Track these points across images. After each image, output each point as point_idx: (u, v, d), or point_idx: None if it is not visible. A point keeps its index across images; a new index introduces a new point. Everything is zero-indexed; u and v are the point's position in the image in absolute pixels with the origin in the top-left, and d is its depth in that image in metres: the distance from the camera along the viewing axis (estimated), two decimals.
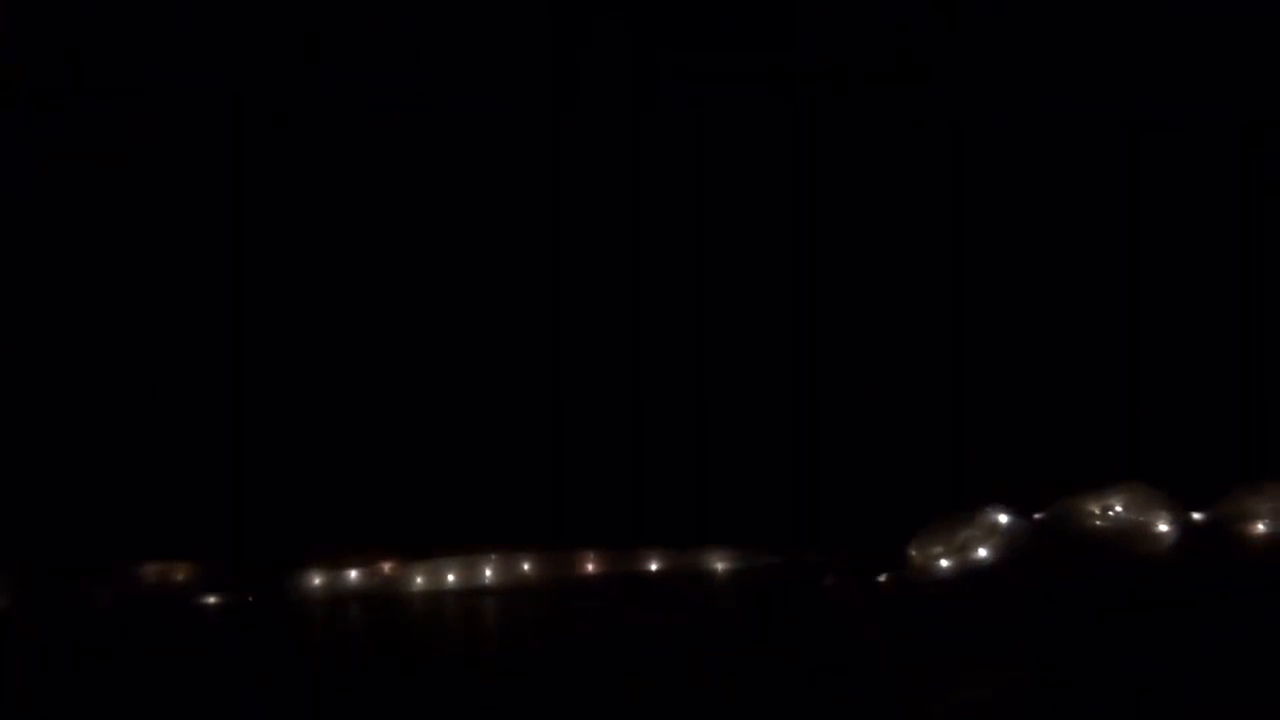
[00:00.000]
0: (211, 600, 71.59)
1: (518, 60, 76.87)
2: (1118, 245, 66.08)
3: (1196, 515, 55.76)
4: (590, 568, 78.87)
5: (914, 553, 60.96)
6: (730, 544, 76.78)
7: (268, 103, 78.08)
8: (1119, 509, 55.59)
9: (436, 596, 75.10)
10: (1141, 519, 54.56)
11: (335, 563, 75.14)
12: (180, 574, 73.35)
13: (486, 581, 77.45)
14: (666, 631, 52.87)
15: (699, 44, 74.35)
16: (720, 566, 79.85)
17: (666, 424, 75.10)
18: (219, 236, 75.30)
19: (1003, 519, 57.65)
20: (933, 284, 72.01)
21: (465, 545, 75.56)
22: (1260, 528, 53.11)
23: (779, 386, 75.75)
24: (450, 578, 77.52)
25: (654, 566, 79.83)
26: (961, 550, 59.26)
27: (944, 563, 59.35)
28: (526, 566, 78.56)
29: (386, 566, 76.93)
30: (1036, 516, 58.37)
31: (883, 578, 62.10)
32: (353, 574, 76.71)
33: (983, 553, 58.47)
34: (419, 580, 77.13)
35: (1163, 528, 54.90)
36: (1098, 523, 54.58)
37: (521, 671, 43.65)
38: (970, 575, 58.71)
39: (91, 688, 42.81)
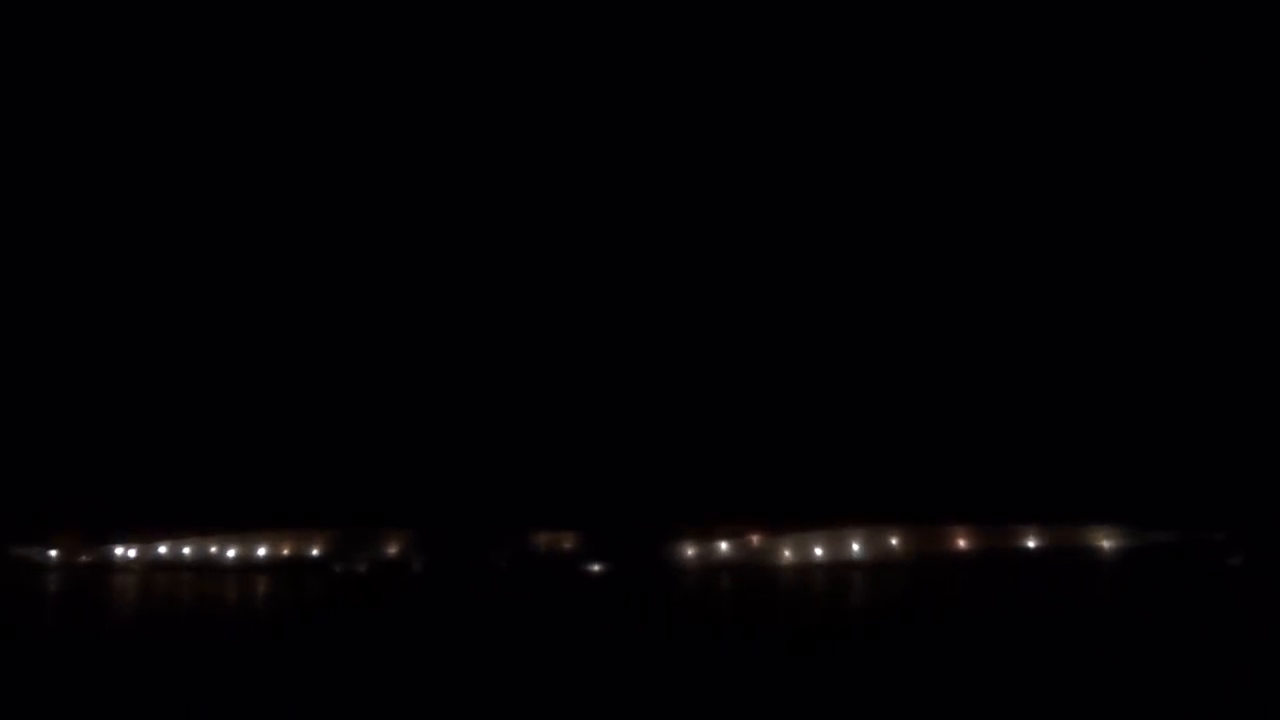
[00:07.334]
0: (595, 567, 76.95)
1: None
2: None
3: None
4: (962, 543, 76.06)
5: None
6: (1117, 520, 71.03)
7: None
8: None
9: (804, 569, 75.74)
10: None
11: (707, 534, 78.03)
12: (567, 542, 79.65)
13: (854, 555, 77.06)
14: (1046, 613, 49.72)
15: None
16: (1107, 544, 74.01)
17: (1043, 389, 71.08)
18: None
19: None
20: None
21: (833, 518, 75.60)
22: None
23: (1180, 352, 70.87)
24: (818, 551, 77.86)
25: (1031, 543, 75.49)
26: None
27: None
28: (895, 541, 77.17)
29: (755, 538, 78.67)
30: None
31: None
32: (723, 545, 79.22)
33: None
34: (786, 553, 78.18)
35: None
36: None
37: (887, 646, 42.66)
38: None
39: (488, 637, 47.17)
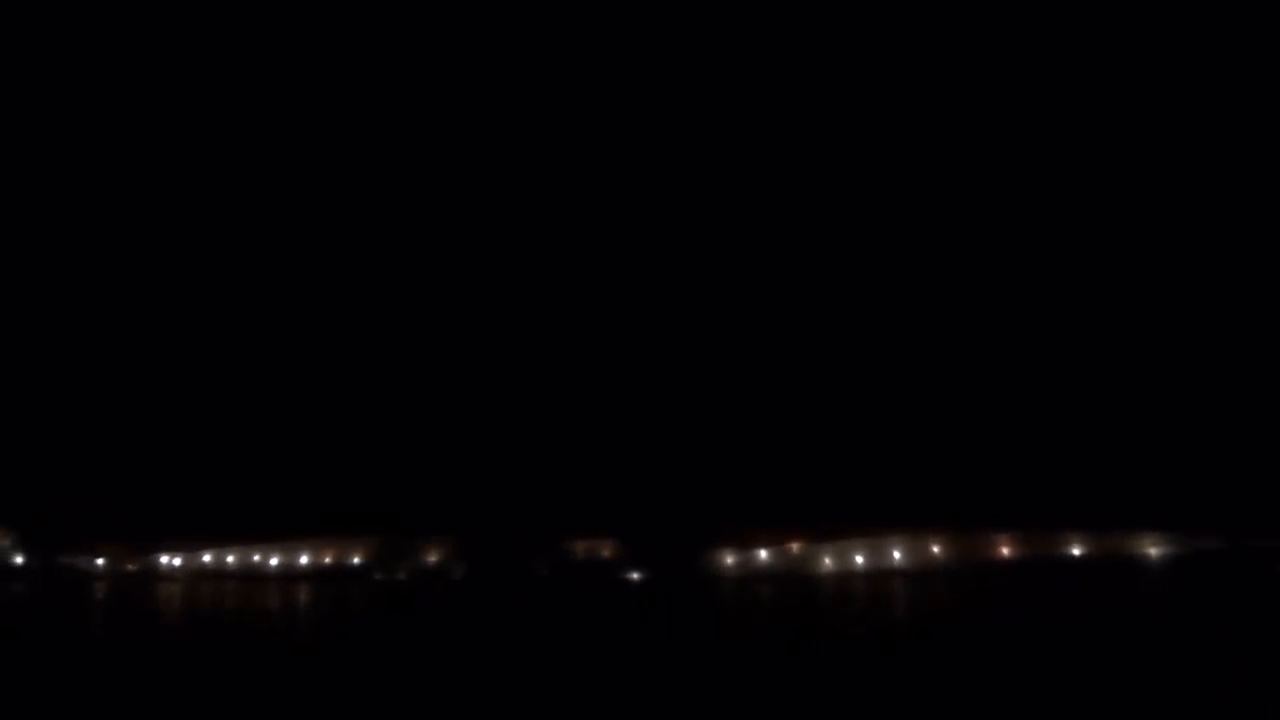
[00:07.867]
0: (634, 574, 76.92)
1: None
2: None
3: None
4: (1005, 551, 75.19)
5: None
6: (1163, 526, 69.95)
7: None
8: None
9: (844, 577, 75.09)
10: None
11: (746, 542, 77.73)
12: (606, 550, 79.74)
13: (895, 563, 76.34)
14: (1089, 621, 48.97)
15: None
16: (1153, 551, 72.90)
17: (1088, 395, 70.45)
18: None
19: None
20: None
21: (873, 526, 75.07)
22: None
23: (1228, 358, 69.92)
24: (858, 559, 77.26)
25: (1076, 550, 74.47)
26: None
27: None
28: (936, 549, 76.39)
29: (795, 546, 78.23)
30: None
31: None
32: (763, 553, 78.83)
33: None
34: (827, 560, 77.66)
35: None
36: None
37: (927, 654, 42.19)
38: None
39: (527, 644, 47.37)
